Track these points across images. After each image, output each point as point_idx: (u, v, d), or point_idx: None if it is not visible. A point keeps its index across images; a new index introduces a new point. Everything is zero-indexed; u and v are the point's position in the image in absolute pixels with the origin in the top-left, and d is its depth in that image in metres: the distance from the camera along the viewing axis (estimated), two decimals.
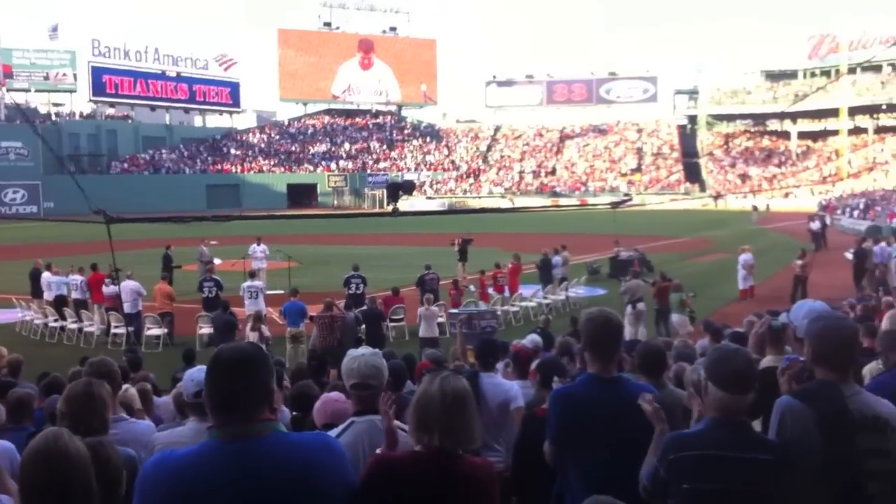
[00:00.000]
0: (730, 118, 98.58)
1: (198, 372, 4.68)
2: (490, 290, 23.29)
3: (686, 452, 3.46)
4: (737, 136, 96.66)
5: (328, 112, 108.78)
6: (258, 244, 27.28)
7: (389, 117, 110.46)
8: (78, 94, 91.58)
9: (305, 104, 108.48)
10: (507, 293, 23.46)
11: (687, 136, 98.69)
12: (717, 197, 74.61)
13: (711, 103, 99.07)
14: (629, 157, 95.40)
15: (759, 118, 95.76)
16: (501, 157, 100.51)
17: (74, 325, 20.76)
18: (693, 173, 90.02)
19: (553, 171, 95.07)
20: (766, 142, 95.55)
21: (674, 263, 30.81)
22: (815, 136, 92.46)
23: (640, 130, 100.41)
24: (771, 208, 67.32)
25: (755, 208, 60.89)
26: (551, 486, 4.64)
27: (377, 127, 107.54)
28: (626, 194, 63.53)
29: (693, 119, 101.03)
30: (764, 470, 3.41)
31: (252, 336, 16.71)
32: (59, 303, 21.63)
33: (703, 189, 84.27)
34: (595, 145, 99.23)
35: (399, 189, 16.23)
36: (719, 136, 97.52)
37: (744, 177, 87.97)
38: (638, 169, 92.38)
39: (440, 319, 18.72)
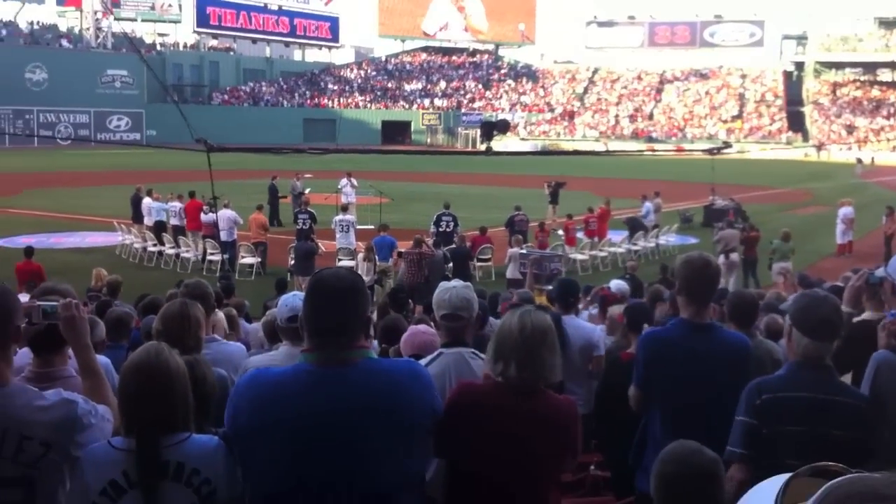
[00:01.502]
0: (839, 66, 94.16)
1: (292, 297, 4.77)
2: (581, 235, 23.07)
3: (771, 394, 3.41)
4: (845, 84, 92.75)
5: (425, 49, 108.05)
6: (348, 178, 27.47)
7: (486, 56, 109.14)
8: (182, 24, 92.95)
9: (403, 41, 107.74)
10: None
11: (792, 84, 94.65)
12: (820, 147, 71.99)
13: (820, 50, 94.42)
14: (730, 104, 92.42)
15: (870, 67, 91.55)
16: (598, 99, 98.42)
17: (172, 251, 21.30)
18: (796, 122, 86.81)
19: (650, 116, 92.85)
20: (875, 92, 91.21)
21: (771, 214, 30.06)
22: None
23: (743, 76, 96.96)
24: (876, 161, 64.30)
25: (859, 161, 58.32)
26: (633, 432, 4.60)
27: (473, 66, 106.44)
28: (724, 142, 61.70)
29: (800, 66, 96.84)
30: (848, 413, 3.35)
31: (366, 266, 17.09)
32: (159, 228, 22.25)
33: (805, 139, 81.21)
34: (696, 90, 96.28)
35: (493, 128, 16.04)
36: (827, 84, 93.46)
37: (850, 128, 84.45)
38: (739, 116, 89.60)
39: None
